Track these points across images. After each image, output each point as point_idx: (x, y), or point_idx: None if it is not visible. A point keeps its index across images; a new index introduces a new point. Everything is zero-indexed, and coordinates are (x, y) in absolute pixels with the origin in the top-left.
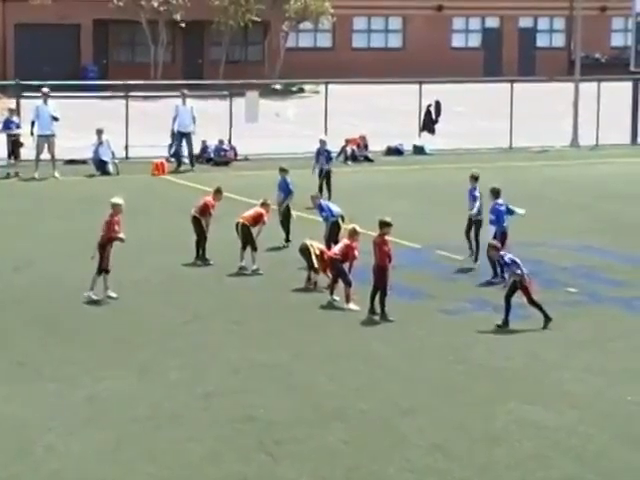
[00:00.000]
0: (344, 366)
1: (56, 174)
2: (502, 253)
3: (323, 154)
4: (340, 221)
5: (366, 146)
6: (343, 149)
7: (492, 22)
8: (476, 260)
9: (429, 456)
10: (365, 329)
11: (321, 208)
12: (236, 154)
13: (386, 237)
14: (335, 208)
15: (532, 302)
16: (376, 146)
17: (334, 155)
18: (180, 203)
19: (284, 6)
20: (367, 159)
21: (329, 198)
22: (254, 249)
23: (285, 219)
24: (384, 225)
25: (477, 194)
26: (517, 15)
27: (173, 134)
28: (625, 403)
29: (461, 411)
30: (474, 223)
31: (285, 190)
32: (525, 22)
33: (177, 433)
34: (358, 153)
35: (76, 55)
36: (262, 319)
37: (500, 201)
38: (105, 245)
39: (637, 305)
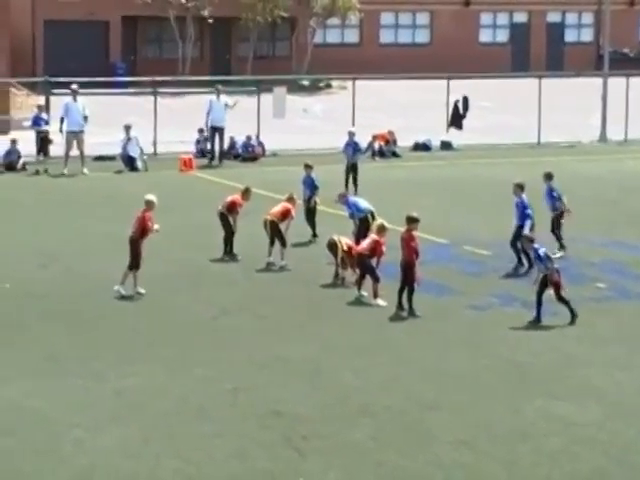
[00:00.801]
0: (370, 361)
1: (85, 170)
2: (536, 246)
3: (351, 145)
4: (370, 217)
5: (394, 141)
6: (370, 145)
7: (520, 17)
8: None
9: (456, 451)
10: (392, 324)
11: (347, 205)
12: (264, 150)
13: (414, 233)
14: (364, 204)
15: (560, 298)
16: (403, 142)
17: (363, 147)
18: (208, 199)
19: (311, 2)
20: (395, 154)
21: (355, 192)
22: (283, 245)
23: (311, 214)
24: (411, 221)
25: (555, 194)
26: (545, 10)
27: (208, 130)
28: None
29: (488, 407)
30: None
31: (310, 186)
32: (553, 17)
33: (204, 428)
34: (386, 149)
35: (105, 52)
36: (289, 314)
37: (524, 195)
38: (136, 241)
39: None
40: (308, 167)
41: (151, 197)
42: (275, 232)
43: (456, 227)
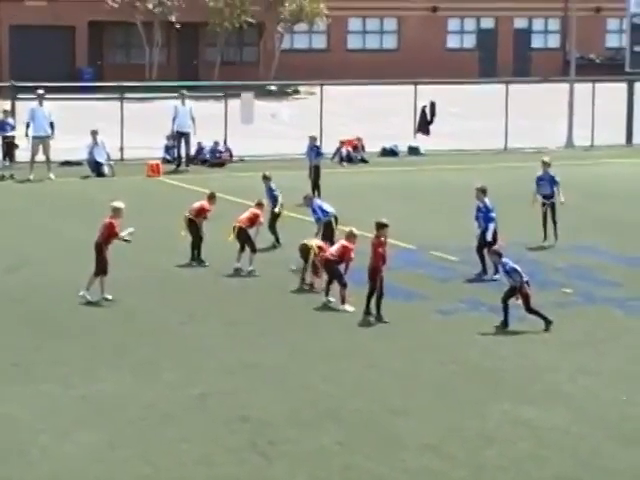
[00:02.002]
0: (338, 366)
1: (51, 175)
2: (505, 260)
3: (313, 150)
4: (333, 221)
5: (362, 147)
6: (338, 150)
7: (487, 23)
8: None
9: (423, 456)
10: (360, 330)
11: (313, 209)
12: (231, 155)
13: (382, 239)
14: (328, 208)
15: (530, 310)
16: (371, 147)
17: (324, 152)
18: (175, 204)
19: (279, 8)
20: (362, 160)
21: (319, 195)
22: (253, 251)
23: (273, 223)
24: (380, 227)
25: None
26: (512, 16)
27: (172, 134)
28: (619, 403)
29: (455, 411)
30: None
31: (271, 197)
32: (520, 23)
33: (171, 434)
34: (353, 154)
35: (71, 57)
36: (257, 320)
37: (487, 199)
38: (101, 246)
39: (631, 306)
40: (266, 178)
41: (118, 204)
42: (245, 238)
43: (424, 233)
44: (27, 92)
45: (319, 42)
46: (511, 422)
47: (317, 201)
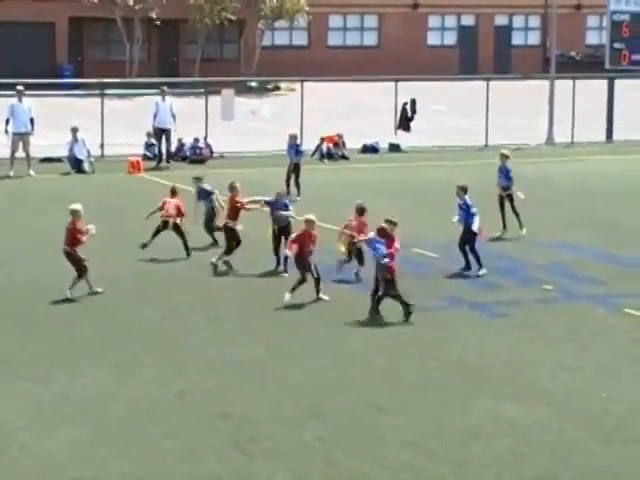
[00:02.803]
0: (320, 363)
1: (31, 172)
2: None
3: (293, 148)
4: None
5: (343, 144)
6: (319, 147)
7: (468, 20)
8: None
9: (404, 453)
10: (342, 327)
11: (284, 204)
12: (212, 152)
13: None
14: (290, 212)
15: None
16: (352, 144)
17: (305, 149)
18: (156, 201)
19: (260, 4)
20: (343, 157)
21: (297, 194)
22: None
23: (210, 223)
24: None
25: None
26: (493, 13)
27: (154, 131)
28: (600, 399)
29: (437, 408)
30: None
31: (206, 197)
32: (501, 20)
33: (153, 431)
34: (334, 151)
35: (51, 53)
36: (239, 316)
37: (467, 197)
38: (70, 253)
39: (612, 302)
40: (198, 179)
41: (75, 206)
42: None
43: (404, 229)
44: (7, 89)
45: (300, 39)
46: (493, 418)
47: (286, 201)
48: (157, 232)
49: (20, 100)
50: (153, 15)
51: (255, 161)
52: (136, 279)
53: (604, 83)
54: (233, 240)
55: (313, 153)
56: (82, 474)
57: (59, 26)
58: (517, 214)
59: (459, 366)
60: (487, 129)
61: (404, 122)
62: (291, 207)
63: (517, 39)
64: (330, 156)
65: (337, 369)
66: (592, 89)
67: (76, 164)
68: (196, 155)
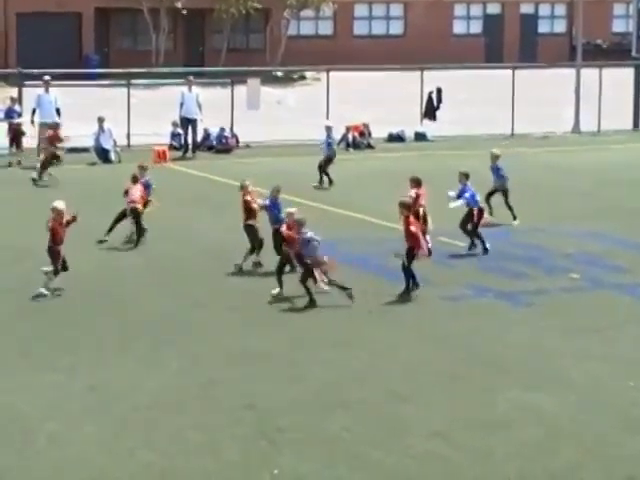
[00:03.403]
0: (344, 354)
1: None
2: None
3: (327, 140)
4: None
5: (369, 133)
6: (344, 136)
7: (493, 8)
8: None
9: (430, 443)
10: (364, 316)
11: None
12: (238, 141)
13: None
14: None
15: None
16: (378, 133)
17: (335, 140)
18: (180, 191)
19: None
20: (369, 146)
21: (330, 183)
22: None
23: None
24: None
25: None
26: (518, 1)
27: (180, 121)
28: (626, 389)
29: (462, 398)
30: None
31: (147, 187)
32: (526, 8)
33: (177, 422)
34: (360, 140)
35: (78, 43)
36: (262, 307)
37: (469, 184)
38: (53, 249)
39: (639, 291)
40: (142, 168)
41: (57, 204)
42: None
43: (432, 219)
44: (34, 79)
45: (325, 28)
46: (519, 409)
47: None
48: (120, 219)
49: (47, 90)
50: (179, 5)
51: (281, 150)
52: (159, 270)
53: (631, 71)
54: (254, 239)
55: (339, 142)
56: (108, 465)
57: (85, 16)
58: (510, 207)
59: (484, 356)
60: (513, 118)
61: (430, 111)
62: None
63: (543, 27)
64: (356, 145)
65: (361, 360)
66: (619, 77)
67: (102, 154)
68: (222, 145)
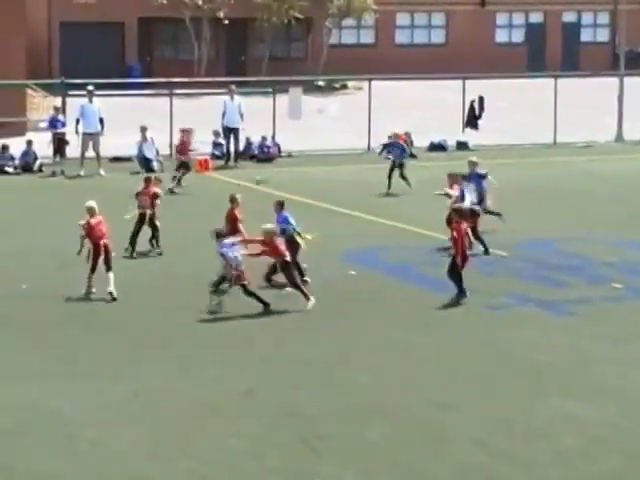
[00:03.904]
0: (385, 361)
1: (101, 172)
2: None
3: (397, 147)
4: (295, 235)
5: (411, 142)
6: (386, 146)
7: (536, 17)
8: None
9: (471, 451)
10: (406, 324)
11: (279, 220)
12: (280, 150)
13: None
14: (292, 221)
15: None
16: (420, 142)
17: (407, 149)
18: (225, 200)
19: (327, 3)
20: (411, 155)
21: (409, 186)
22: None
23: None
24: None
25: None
26: (561, 10)
27: (222, 130)
28: None
29: (503, 406)
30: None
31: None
32: (569, 17)
33: (218, 429)
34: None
35: (121, 53)
36: (301, 314)
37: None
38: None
39: None
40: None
41: (91, 203)
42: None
43: None
44: (77, 89)
45: (367, 37)
46: (561, 417)
47: (285, 212)
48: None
49: (90, 100)
50: (221, 14)
51: (323, 159)
52: (198, 277)
53: None
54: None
55: (381, 152)
56: (148, 471)
57: (128, 26)
58: (492, 213)
59: (526, 364)
60: (555, 127)
61: (472, 120)
62: (292, 219)
63: (586, 36)
64: None
65: (402, 367)
66: None
67: (145, 163)
68: (264, 154)
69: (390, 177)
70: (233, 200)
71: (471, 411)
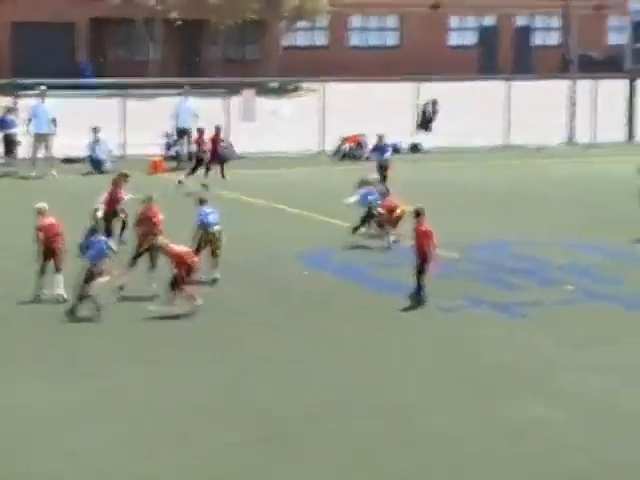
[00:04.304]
0: (356, 362)
1: (53, 172)
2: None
3: (379, 148)
4: (205, 234)
5: (365, 144)
6: (340, 147)
7: (488, 20)
8: None
9: (437, 451)
10: (359, 323)
11: (199, 214)
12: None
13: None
14: (213, 219)
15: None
16: (373, 144)
17: (390, 150)
18: (175, 201)
19: (281, 5)
20: (364, 157)
21: (386, 190)
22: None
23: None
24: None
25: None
26: (513, 13)
27: (176, 132)
28: (627, 399)
29: (465, 408)
30: None
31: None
32: (521, 20)
33: (193, 428)
34: (356, 151)
35: (73, 53)
36: (274, 314)
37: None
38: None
39: (633, 302)
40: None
41: (41, 205)
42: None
43: None
44: (28, 89)
45: (321, 39)
46: (521, 420)
47: (205, 209)
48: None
49: (42, 100)
50: (174, 16)
51: (276, 161)
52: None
53: (625, 83)
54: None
55: (334, 153)
56: (123, 468)
57: (80, 27)
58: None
59: (481, 366)
60: (508, 129)
61: (425, 122)
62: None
63: (538, 39)
64: (352, 156)
65: (360, 367)
66: (613, 89)
67: (97, 164)
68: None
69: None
70: (148, 199)
71: (434, 413)
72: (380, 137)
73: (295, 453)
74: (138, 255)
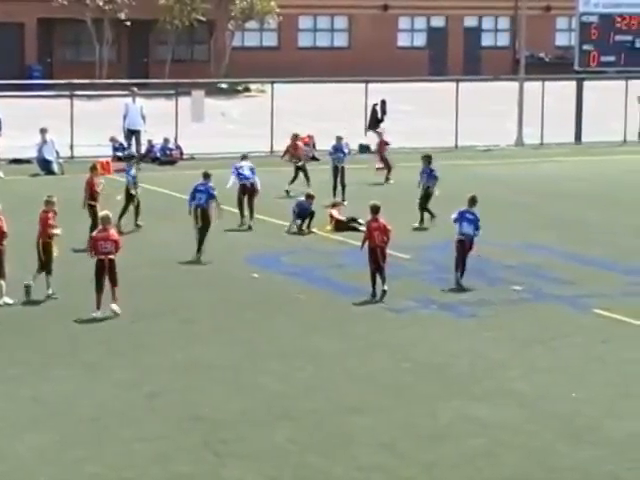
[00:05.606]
0: (291, 365)
1: (0, 173)
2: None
3: (339, 149)
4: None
5: (314, 145)
6: (288, 149)
7: (437, 21)
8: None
9: (376, 454)
10: (312, 328)
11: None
12: (182, 153)
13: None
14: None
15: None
16: (322, 145)
17: (347, 151)
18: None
19: (230, 5)
20: (314, 158)
21: (343, 194)
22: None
23: None
24: (375, 210)
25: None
26: (462, 15)
27: (124, 133)
28: (570, 400)
29: (407, 409)
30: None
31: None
32: (470, 21)
33: (124, 433)
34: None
35: (20, 54)
36: (209, 318)
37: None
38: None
39: (581, 303)
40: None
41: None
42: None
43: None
44: None
45: (270, 40)
46: (463, 419)
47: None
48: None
49: None
50: (123, 16)
51: (225, 162)
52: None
53: (573, 84)
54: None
55: (283, 155)
56: (52, 477)
57: (28, 27)
58: (429, 211)
59: (429, 367)
60: (457, 130)
61: (374, 123)
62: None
63: (486, 40)
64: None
65: (308, 371)
66: (561, 90)
67: (45, 165)
68: (166, 156)
69: (335, 182)
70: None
71: (376, 414)
72: (339, 138)
73: (228, 457)
74: None
